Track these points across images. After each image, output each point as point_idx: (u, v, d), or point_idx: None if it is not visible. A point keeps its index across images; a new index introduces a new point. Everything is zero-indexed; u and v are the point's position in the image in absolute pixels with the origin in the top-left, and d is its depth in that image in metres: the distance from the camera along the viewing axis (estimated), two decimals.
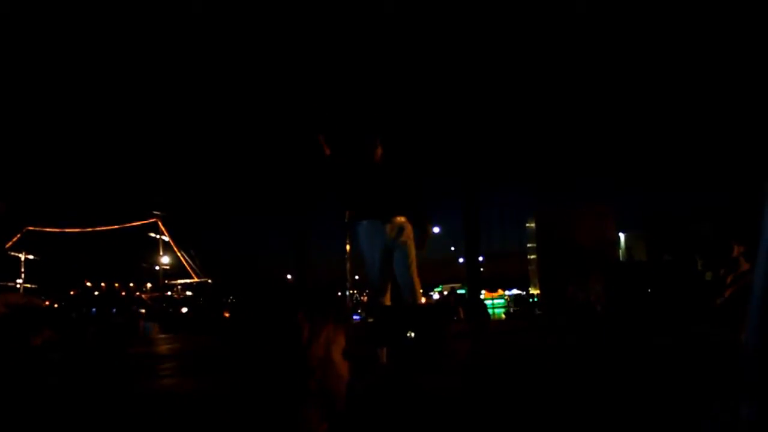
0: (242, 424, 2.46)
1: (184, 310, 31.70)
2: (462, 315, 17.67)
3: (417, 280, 5.15)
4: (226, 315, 25.17)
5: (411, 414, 3.01)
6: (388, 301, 5.18)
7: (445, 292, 33.36)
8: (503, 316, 28.26)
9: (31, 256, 45.85)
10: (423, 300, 5.48)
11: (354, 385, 3.32)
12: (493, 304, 30.39)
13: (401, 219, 5.15)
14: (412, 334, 4.63)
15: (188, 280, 51.56)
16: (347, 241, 5.16)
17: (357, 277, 5.63)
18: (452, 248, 46.02)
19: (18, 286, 40.39)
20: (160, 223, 53.34)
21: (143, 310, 28.23)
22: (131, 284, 47.00)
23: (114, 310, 27.98)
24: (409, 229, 5.18)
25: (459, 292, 26.45)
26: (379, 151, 5.31)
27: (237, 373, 2.49)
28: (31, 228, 44.48)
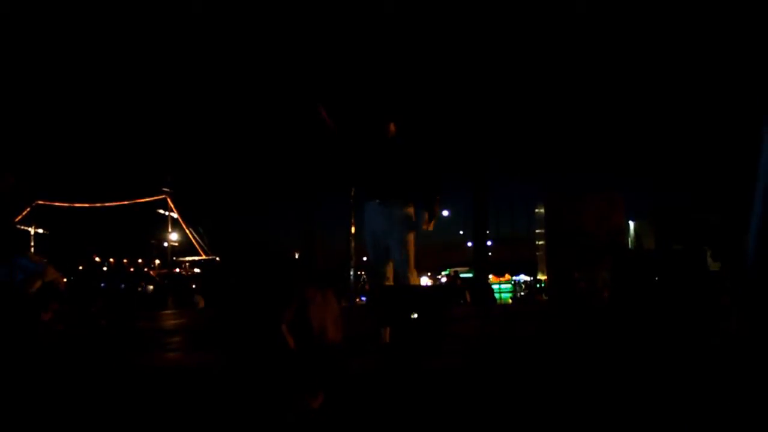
0: (242, 395, 2.47)
1: (193, 287, 31.87)
2: (468, 299, 17.67)
3: (412, 264, 5.13)
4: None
5: (410, 392, 3.02)
6: (390, 282, 5.18)
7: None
8: (510, 300, 28.30)
9: (40, 230, 46.12)
10: (420, 282, 5.47)
11: (350, 362, 3.33)
12: (500, 288, 30.40)
13: (400, 202, 5.13)
14: (416, 315, 4.63)
15: (196, 258, 51.77)
16: (352, 221, 5.16)
17: (365, 259, 5.64)
18: (461, 232, 46.09)
19: None
20: (169, 200, 53.56)
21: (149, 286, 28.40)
22: (140, 260, 47.26)
23: (122, 285, 28.19)
24: (406, 213, 5.15)
25: (463, 276, 26.37)
26: (392, 130, 5.28)
27: (237, 346, 2.49)
28: (40, 202, 44.67)
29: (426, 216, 5.15)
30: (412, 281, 5.09)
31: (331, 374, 2.43)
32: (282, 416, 2.30)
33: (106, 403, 2.98)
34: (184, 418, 2.57)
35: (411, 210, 5.19)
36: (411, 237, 5.15)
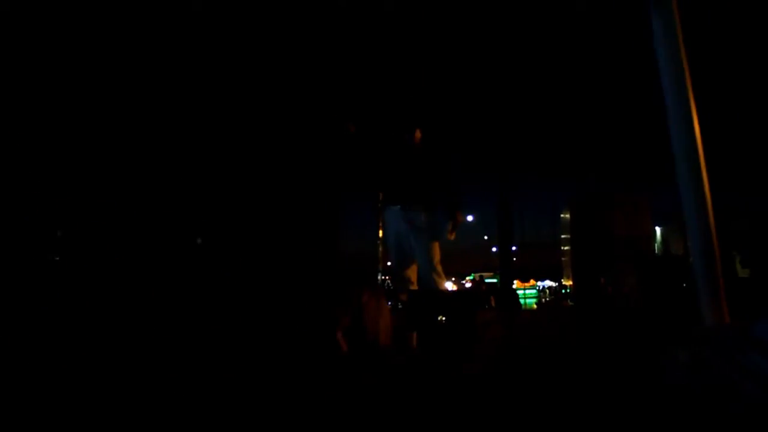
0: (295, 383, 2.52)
1: None
2: (493, 303, 17.66)
3: (438, 269, 5.12)
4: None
5: (439, 395, 3.05)
6: (415, 287, 5.19)
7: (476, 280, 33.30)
8: (534, 306, 28.17)
9: None
10: (450, 286, 5.48)
11: (395, 357, 3.38)
12: (524, 293, 30.28)
13: (421, 207, 5.14)
14: (443, 319, 4.65)
15: None
16: (380, 226, 5.19)
17: (389, 263, 5.66)
18: (486, 237, 45.99)
19: None
20: None
21: None
22: None
23: None
24: (430, 218, 5.16)
25: (488, 281, 26.30)
26: (418, 136, 5.32)
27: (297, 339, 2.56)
28: None
29: (450, 225, 5.15)
30: (441, 286, 5.10)
31: (381, 358, 2.50)
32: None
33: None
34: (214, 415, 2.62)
35: (432, 216, 5.20)
36: (435, 243, 5.16)
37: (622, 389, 3.20)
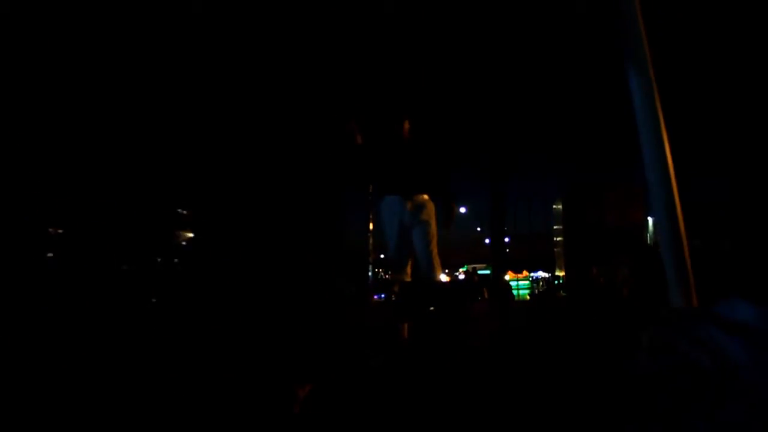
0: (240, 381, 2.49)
1: None
2: (486, 295, 17.65)
3: (436, 259, 5.09)
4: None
5: (424, 389, 3.03)
6: (408, 278, 5.15)
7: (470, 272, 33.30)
8: (527, 297, 28.20)
9: None
10: (444, 278, 5.45)
11: (368, 360, 3.35)
12: (518, 285, 30.30)
13: (423, 197, 5.10)
14: (433, 308, 4.62)
15: None
16: (371, 218, 5.13)
17: (382, 256, 5.60)
18: (479, 228, 45.99)
19: None
20: None
21: None
22: None
23: None
24: (430, 207, 5.12)
25: (480, 272, 26.29)
26: (407, 127, 5.27)
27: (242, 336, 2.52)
28: None
29: (448, 215, 5.11)
30: (437, 277, 5.06)
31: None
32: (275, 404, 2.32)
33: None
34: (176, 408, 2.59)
35: (432, 206, 5.16)
36: (434, 232, 5.13)
37: (596, 377, 3.18)
